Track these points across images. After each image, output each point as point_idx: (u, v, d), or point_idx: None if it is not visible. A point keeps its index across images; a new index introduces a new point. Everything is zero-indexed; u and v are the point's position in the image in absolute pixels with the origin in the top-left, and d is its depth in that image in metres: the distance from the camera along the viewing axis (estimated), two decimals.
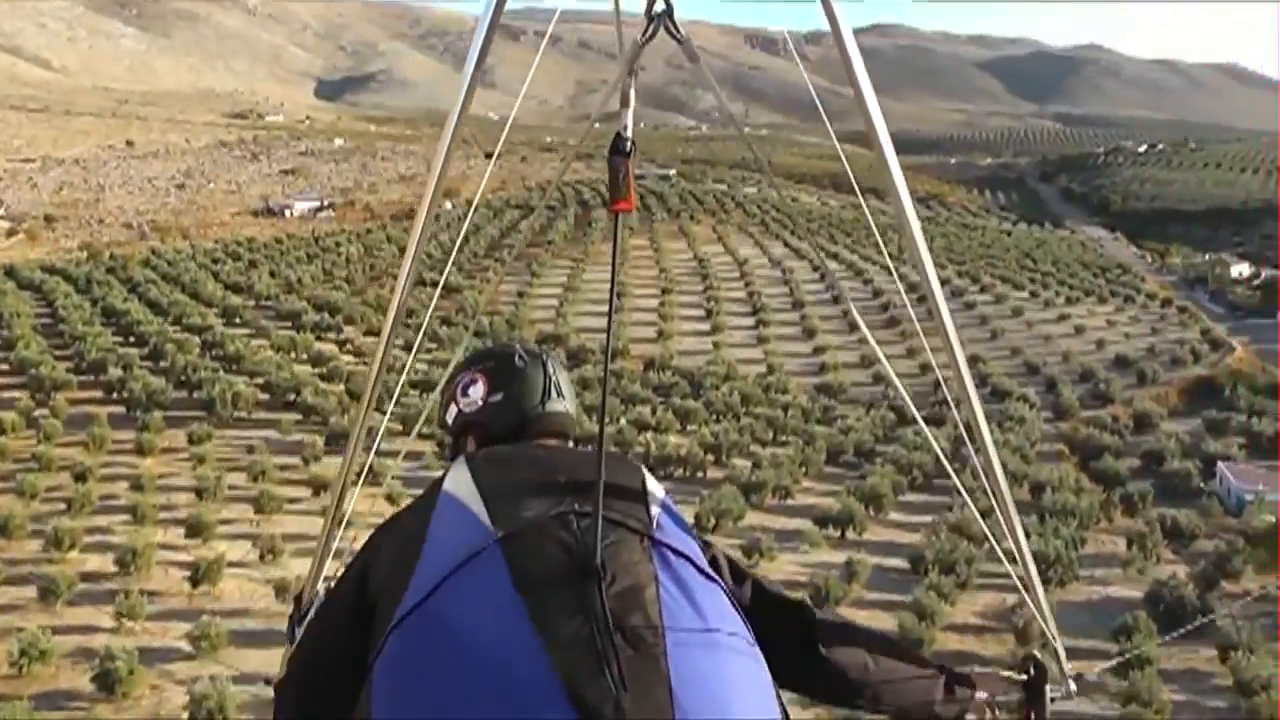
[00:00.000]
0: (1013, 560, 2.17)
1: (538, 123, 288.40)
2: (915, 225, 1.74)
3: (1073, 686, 2.24)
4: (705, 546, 1.77)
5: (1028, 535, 2.43)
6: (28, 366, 33.10)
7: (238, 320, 43.95)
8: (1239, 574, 23.06)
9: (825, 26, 1.61)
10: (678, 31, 1.66)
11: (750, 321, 52.74)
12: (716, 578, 1.61)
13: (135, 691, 15.75)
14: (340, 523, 2.40)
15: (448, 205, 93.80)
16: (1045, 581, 4.07)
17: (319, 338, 41.51)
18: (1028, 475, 29.58)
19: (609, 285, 1.65)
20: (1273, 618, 19.94)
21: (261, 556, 20.03)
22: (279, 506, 22.71)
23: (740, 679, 1.45)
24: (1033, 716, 2.16)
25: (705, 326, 52.61)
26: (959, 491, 2.68)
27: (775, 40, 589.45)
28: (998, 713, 2.10)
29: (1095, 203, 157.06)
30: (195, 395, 31.34)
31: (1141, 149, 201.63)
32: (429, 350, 38.73)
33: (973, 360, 44.61)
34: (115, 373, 31.84)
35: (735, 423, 33.73)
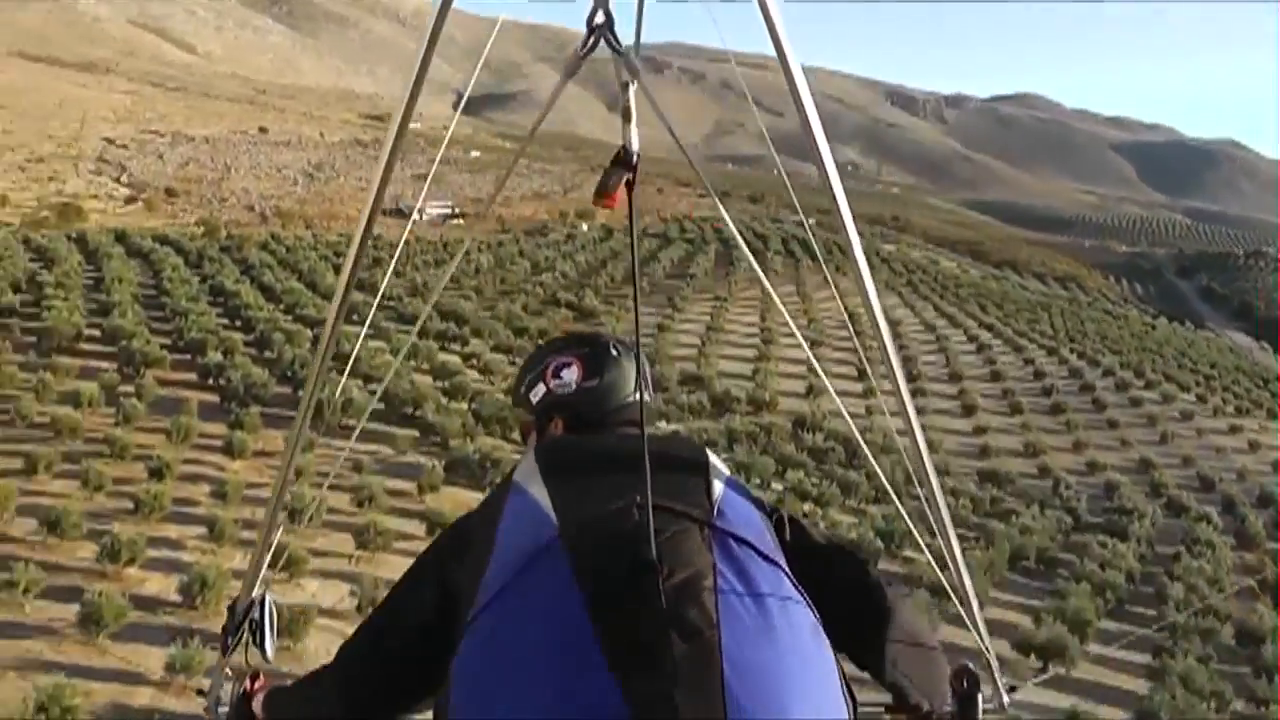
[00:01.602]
0: (944, 567, 2.20)
1: (671, 158, 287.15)
2: (855, 241, 1.75)
3: (1006, 698, 2.34)
4: (772, 516, 1.86)
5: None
6: (121, 337, 29.96)
7: (355, 317, 40.66)
8: None
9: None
10: (618, 44, 1.65)
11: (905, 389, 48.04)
12: (780, 563, 1.65)
13: None
14: (276, 529, 2.32)
15: (584, 227, 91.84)
16: None
17: (443, 348, 37.95)
18: (1230, 616, 24.50)
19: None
20: None
21: (360, 607, 16.02)
22: (386, 543, 18.77)
23: (800, 672, 1.48)
24: None
25: (857, 388, 48.09)
26: (903, 513, 2.54)
27: (915, 99, 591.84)
28: None
29: (1236, 305, 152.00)
30: (301, 394, 27.69)
31: None
32: None
33: (1144, 465, 41.23)
34: (214, 356, 28.41)
35: (901, 504, 28.92)
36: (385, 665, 1.86)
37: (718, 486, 1.77)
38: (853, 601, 1.94)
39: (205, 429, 23.93)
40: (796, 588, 1.64)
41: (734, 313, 59.53)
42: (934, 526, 2.16)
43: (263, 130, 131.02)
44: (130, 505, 18.70)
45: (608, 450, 1.89)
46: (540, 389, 2.18)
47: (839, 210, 1.72)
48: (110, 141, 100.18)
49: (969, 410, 46.39)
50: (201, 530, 18.22)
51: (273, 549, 2.36)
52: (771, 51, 1.65)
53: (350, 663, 1.96)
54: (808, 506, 26.99)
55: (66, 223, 56.73)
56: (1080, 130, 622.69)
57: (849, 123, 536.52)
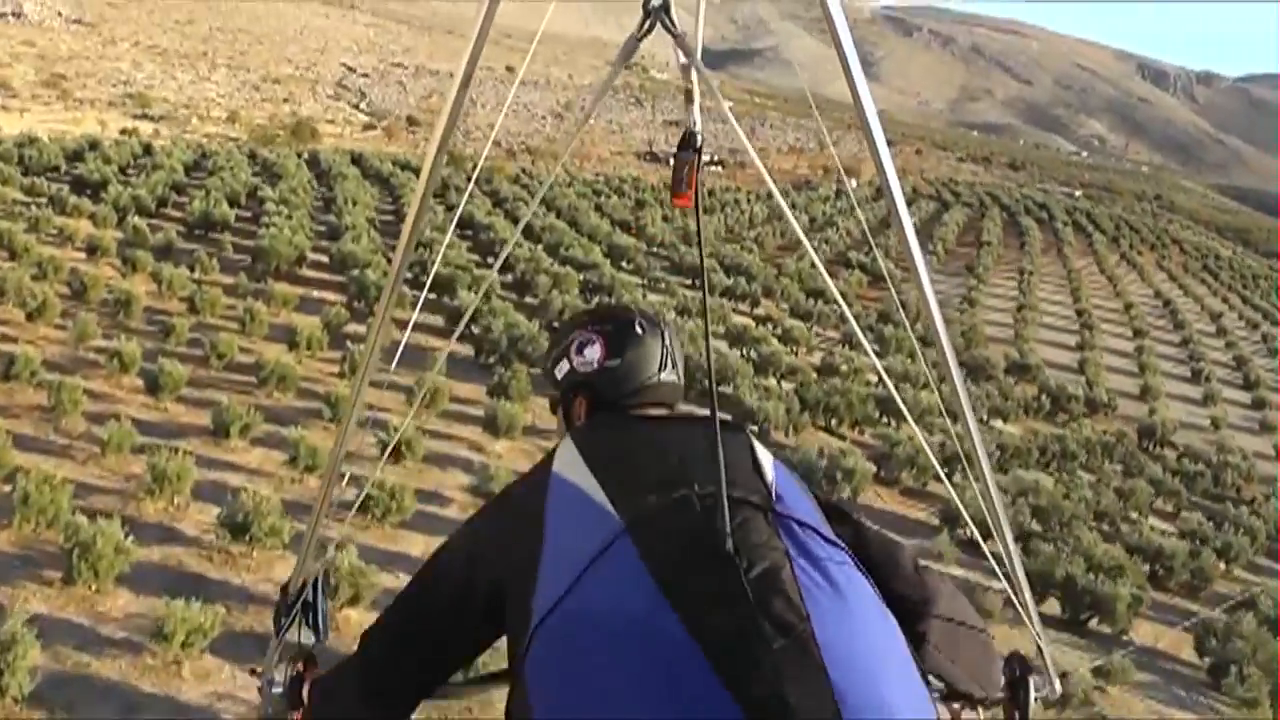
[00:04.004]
0: (1000, 562, 2.18)
1: (916, 121, 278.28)
2: (906, 218, 1.74)
3: (1058, 686, 2.30)
4: (819, 502, 1.86)
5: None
6: (351, 265, 24.75)
7: (626, 264, 34.81)
8: None
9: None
10: (674, 26, 1.65)
11: (1245, 397, 40.22)
12: (841, 544, 1.67)
13: None
14: (327, 513, 2.36)
15: (853, 184, 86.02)
16: None
17: (735, 309, 31.68)
18: None
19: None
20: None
21: None
22: None
23: (887, 653, 1.52)
24: (1016, 716, 2.20)
25: (1194, 392, 39.67)
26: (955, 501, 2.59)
27: (1166, 74, 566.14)
28: (980, 712, 2.16)
29: None
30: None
31: None
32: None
33: None
34: (467, 297, 22.65)
35: None
36: (407, 655, 1.87)
37: (768, 467, 1.78)
38: (894, 585, 1.87)
39: (458, 390, 18.27)
40: (859, 568, 1.64)
41: (1044, 290, 52.76)
42: (987, 517, 2.12)
43: (510, 70, 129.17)
44: (352, 498, 13.02)
45: (649, 436, 1.87)
46: (565, 365, 2.18)
47: (888, 187, 1.68)
48: (350, 69, 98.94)
49: None
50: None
51: (324, 528, 2.35)
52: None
53: (374, 650, 1.96)
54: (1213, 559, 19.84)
55: (299, 142, 53.57)
56: None
57: (1101, 95, 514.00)
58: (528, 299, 25.98)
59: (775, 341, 27.63)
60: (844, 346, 29.47)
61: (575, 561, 1.55)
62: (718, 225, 49.37)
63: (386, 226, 32.66)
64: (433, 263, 26.25)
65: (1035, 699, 2.21)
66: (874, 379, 25.44)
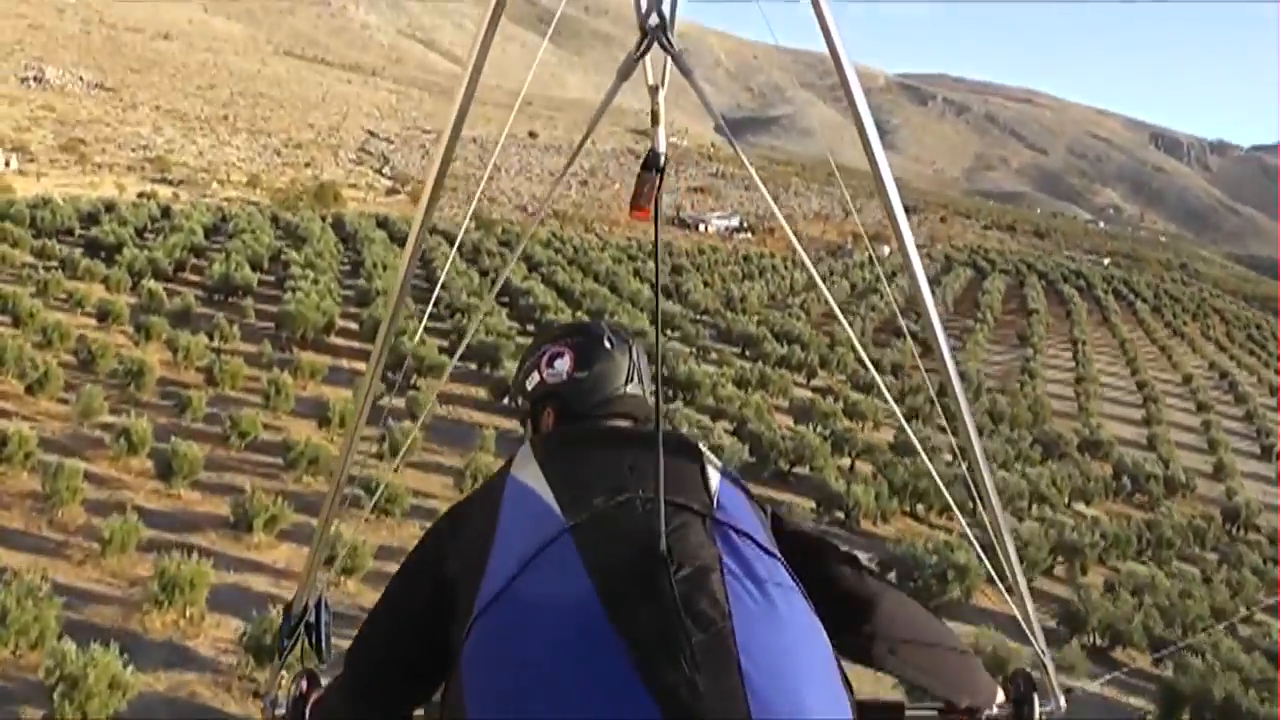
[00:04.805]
0: (1001, 575, 2.21)
1: (932, 189, 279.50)
2: (904, 225, 1.75)
3: (1063, 702, 2.31)
4: (766, 513, 1.90)
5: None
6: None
7: (671, 332, 32.89)
8: None
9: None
10: (672, 46, 1.67)
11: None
12: (777, 554, 1.71)
13: None
14: (331, 531, 2.40)
15: (886, 250, 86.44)
16: None
17: (794, 381, 29.69)
18: None
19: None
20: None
21: None
22: None
23: (808, 658, 1.55)
24: None
25: (1265, 469, 37.94)
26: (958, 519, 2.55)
27: (1179, 143, 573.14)
28: None
29: None
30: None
31: None
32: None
33: None
34: (512, 369, 20.56)
35: None
36: (390, 665, 1.90)
37: (714, 479, 1.82)
38: (841, 594, 1.95)
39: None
40: (793, 577, 1.68)
41: (1100, 361, 51.37)
42: (992, 538, 2.13)
43: (532, 135, 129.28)
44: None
45: (604, 442, 1.93)
46: (535, 377, 2.22)
47: (898, 231, 1.72)
48: (373, 134, 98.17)
49: None
50: None
51: (321, 563, 2.40)
52: None
53: (358, 666, 1.99)
54: None
55: (322, 205, 52.20)
56: None
57: (1115, 164, 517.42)
58: None
59: (844, 417, 25.53)
60: (917, 421, 27.37)
61: (518, 557, 1.59)
62: (760, 291, 47.59)
63: (419, 293, 30.87)
64: (470, 333, 24.40)
65: (1040, 716, 2.22)
66: (949, 457, 23.35)
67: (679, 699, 1.38)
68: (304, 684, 2.28)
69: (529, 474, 1.78)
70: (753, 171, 1.90)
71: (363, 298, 27.94)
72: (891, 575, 14.97)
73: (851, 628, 1.94)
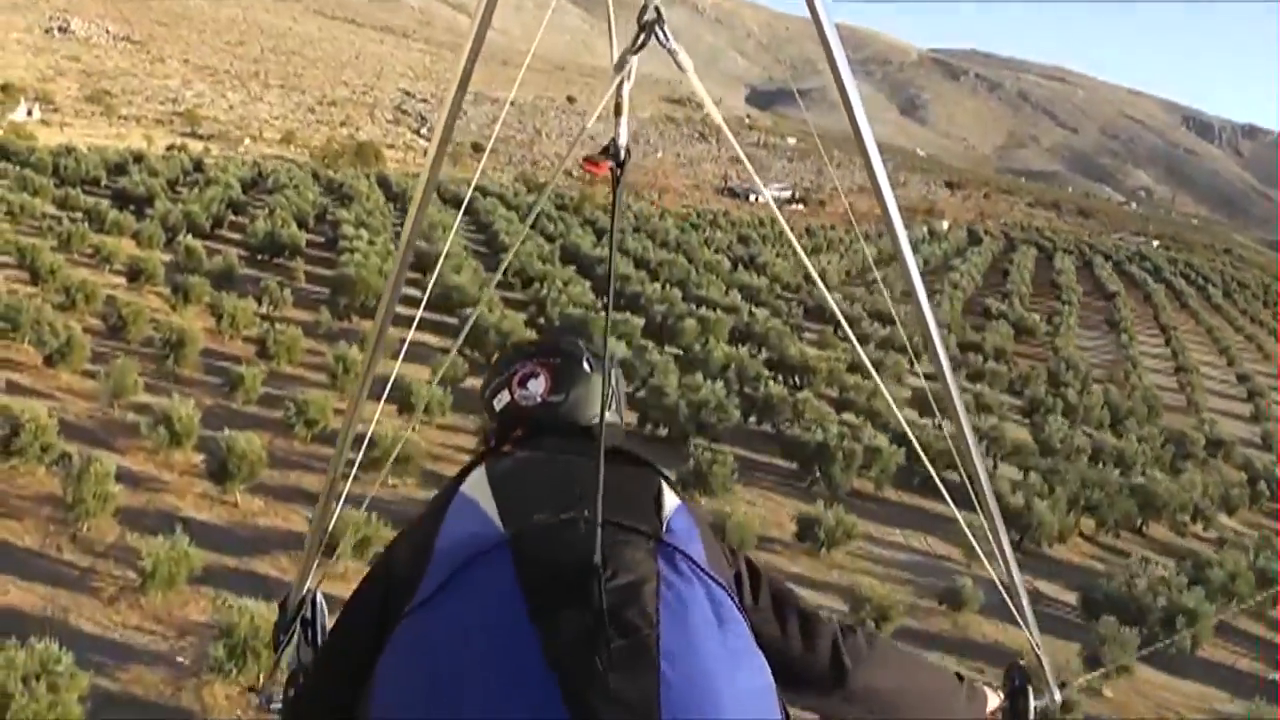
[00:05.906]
0: (995, 563, 2.20)
1: (963, 165, 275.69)
2: (899, 226, 1.77)
3: (1057, 696, 2.29)
4: (727, 553, 1.85)
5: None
6: (458, 302, 20.02)
7: (757, 304, 29.96)
8: None
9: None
10: (668, 40, 1.65)
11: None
12: (719, 578, 1.66)
13: None
14: (327, 527, 2.29)
15: (944, 225, 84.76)
16: None
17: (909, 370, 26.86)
18: None
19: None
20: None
21: None
22: None
23: (733, 674, 1.50)
24: None
25: None
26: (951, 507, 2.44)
27: (1211, 125, 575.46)
28: None
29: None
30: (758, 422, 17.45)
31: None
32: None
33: None
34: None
35: None
36: (341, 687, 1.80)
37: (669, 506, 1.76)
38: (819, 658, 1.92)
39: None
40: (739, 608, 1.64)
41: (1196, 350, 47.60)
42: (986, 529, 2.12)
43: (570, 100, 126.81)
44: None
45: (559, 463, 1.86)
46: (505, 397, 2.10)
47: (887, 213, 1.75)
48: (409, 94, 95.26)
49: None
50: None
51: (323, 547, 2.29)
52: None
53: (312, 686, 1.99)
54: None
55: (363, 164, 49.50)
56: None
57: (1147, 145, 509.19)
58: (671, 348, 21.07)
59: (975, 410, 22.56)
60: (1039, 413, 24.33)
61: (449, 565, 1.57)
62: (837, 267, 44.64)
63: (484, 259, 27.99)
64: (550, 302, 21.55)
65: (1035, 709, 2.21)
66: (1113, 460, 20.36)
67: (586, 696, 1.35)
68: (300, 681, 2.17)
69: (477, 489, 1.73)
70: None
71: (421, 260, 25.10)
72: (1110, 618, 12.02)
73: (832, 692, 1.92)
